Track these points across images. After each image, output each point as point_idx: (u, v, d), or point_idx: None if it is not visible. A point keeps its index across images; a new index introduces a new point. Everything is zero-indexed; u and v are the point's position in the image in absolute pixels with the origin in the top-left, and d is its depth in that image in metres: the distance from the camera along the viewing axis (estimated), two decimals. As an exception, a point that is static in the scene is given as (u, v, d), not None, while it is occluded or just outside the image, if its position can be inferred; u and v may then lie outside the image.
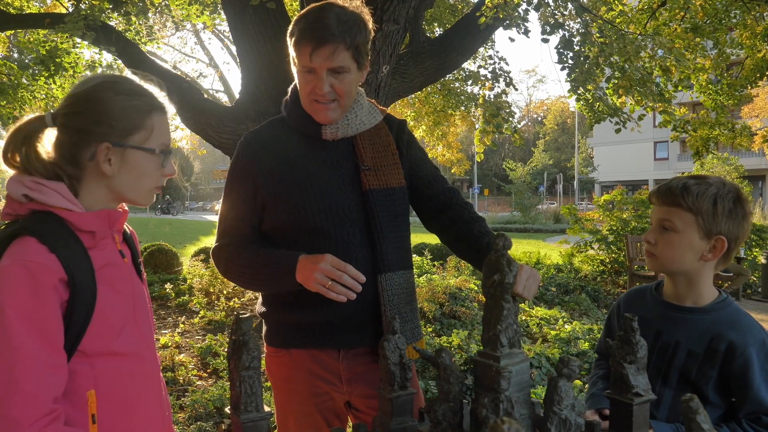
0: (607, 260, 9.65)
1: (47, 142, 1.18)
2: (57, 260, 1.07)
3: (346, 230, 1.53)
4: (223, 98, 20.20)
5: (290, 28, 1.55)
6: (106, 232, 1.19)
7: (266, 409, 1.00)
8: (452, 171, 12.73)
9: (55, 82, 6.45)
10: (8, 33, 8.34)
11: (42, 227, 1.09)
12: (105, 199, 1.22)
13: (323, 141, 1.61)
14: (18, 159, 1.16)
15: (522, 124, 62.00)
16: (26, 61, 7.24)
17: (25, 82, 7.41)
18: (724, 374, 1.39)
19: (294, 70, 1.57)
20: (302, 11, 1.55)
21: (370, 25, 1.56)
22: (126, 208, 1.29)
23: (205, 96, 5.62)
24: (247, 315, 1.01)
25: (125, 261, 1.25)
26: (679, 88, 8.17)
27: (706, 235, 1.42)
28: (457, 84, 9.86)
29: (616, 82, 5.77)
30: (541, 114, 60.70)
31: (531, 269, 1.35)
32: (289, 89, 1.67)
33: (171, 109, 1.32)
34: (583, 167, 44.23)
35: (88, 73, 6.32)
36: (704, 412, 0.68)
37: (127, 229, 1.32)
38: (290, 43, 1.54)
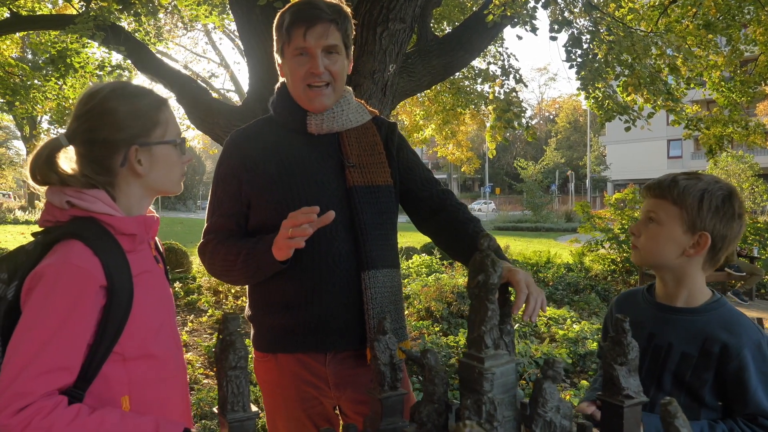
0: (618, 259, 9.57)
1: (67, 159, 1.24)
2: (99, 264, 1.11)
3: (330, 226, 1.51)
4: (234, 98, 20.31)
5: (277, 20, 1.58)
6: (144, 237, 1.25)
7: (253, 408, 1.00)
8: (462, 170, 12.70)
9: (65, 83, 6.53)
10: (21, 34, 8.44)
11: (86, 231, 1.14)
12: (141, 197, 1.28)
13: (309, 137, 1.61)
14: (49, 177, 1.21)
15: (534, 122, 61.67)
16: (39, 62, 7.33)
17: (38, 83, 7.50)
18: (720, 377, 1.36)
19: (281, 63, 1.61)
20: (288, 4, 1.60)
21: (352, 20, 1.61)
22: (156, 215, 1.34)
23: (215, 96, 5.65)
24: (234, 314, 1.01)
25: (159, 266, 1.32)
26: (692, 85, 8.09)
27: (689, 229, 1.40)
28: (466, 82, 9.83)
29: (625, 80, 5.72)
30: (553, 112, 60.32)
31: (538, 293, 1.29)
32: (276, 88, 1.69)
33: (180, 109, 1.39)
34: (596, 166, 43.91)
35: (99, 72, 6.38)
36: (683, 415, 0.66)
37: (156, 239, 1.38)
38: (281, 30, 1.56)
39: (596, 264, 9.70)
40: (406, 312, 6.58)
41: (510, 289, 1.32)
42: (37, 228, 1.23)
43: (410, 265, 9.50)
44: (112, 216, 1.18)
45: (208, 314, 5.94)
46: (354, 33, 1.62)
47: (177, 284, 7.04)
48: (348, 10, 1.59)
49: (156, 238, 1.35)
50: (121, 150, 1.22)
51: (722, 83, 9.24)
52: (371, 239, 1.54)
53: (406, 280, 8.08)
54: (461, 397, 0.87)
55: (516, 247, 13.28)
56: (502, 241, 14.48)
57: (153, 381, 1.21)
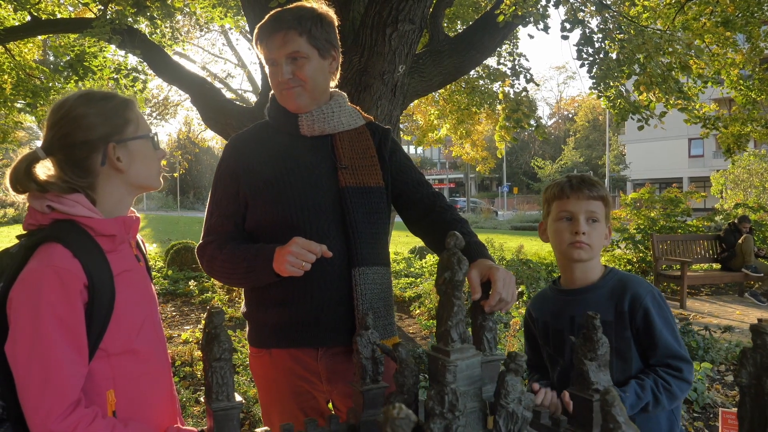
0: (634, 259, 9.50)
1: (45, 168, 1.29)
2: (80, 265, 1.16)
3: (322, 225, 1.58)
4: (252, 98, 20.50)
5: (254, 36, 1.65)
6: (124, 237, 1.29)
7: (237, 398, 1.05)
8: (477, 169, 12.69)
9: (84, 86, 6.68)
10: (43, 37, 8.63)
11: (66, 234, 1.19)
12: (122, 195, 1.33)
13: (303, 140, 1.67)
14: (29, 187, 1.26)
15: (552, 121, 61.19)
16: (60, 65, 7.51)
17: (58, 85, 7.67)
18: (635, 330, 1.59)
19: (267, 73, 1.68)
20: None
21: (333, 21, 1.66)
22: (137, 215, 1.39)
23: (230, 97, 5.74)
24: (219, 309, 1.06)
25: (141, 265, 1.36)
26: (709, 83, 7.99)
27: (606, 223, 1.70)
28: (481, 82, 9.82)
29: (637, 78, 5.69)
30: (572, 111, 59.75)
31: (507, 294, 1.34)
32: (270, 95, 1.75)
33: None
34: (615, 165, 43.41)
35: (115, 76, 6.51)
36: (620, 404, 0.70)
37: (139, 237, 1.43)
38: (256, 46, 1.65)
39: (612, 264, 9.63)
40: (418, 311, 6.62)
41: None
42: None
43: (423, 264, 9.53)
44: (91, 218, 1.23)
45: (221, 312, 6.03)
46: (336, 32, 1.67)
47: (192, 282, 7.16)
48: (322, 11, 1.64)
49: (138, 237, 1.40)
50: (99, 149, 1.27)
51: (741, 81, 9.10)
52: (362, 238, 1.59)
53: (418, 280, 8.12)
54: (428, 388, 0.91)
55: (531, 247, 13.22)
56: (517, 240, 14.42)
57: (137, 376, 1.26)
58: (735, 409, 1.95)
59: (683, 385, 1.54)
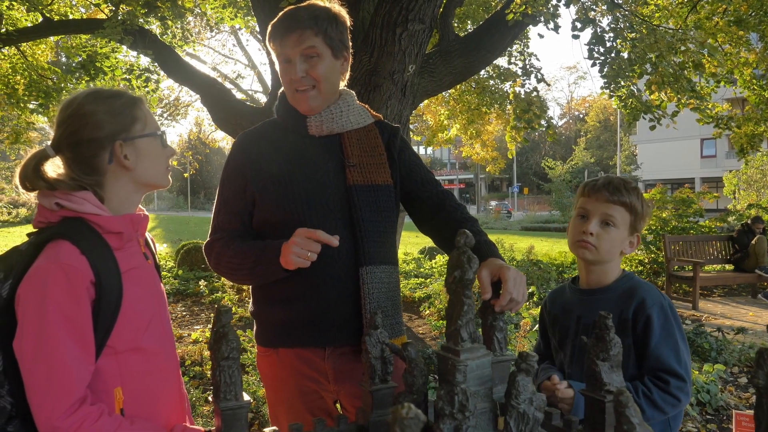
0: (646, 260, 9.42)
1: (54, 166, 1.29)
2: (87, 262, 1.16)
3: (329, 224, 1.56)
4: (262, 99, 20.56)
5: (267, 33, 1.64)
6: (132, 234, 1.29)
7: (246, 397, 1.05)
8: (487, 169, 12.65)
9: (96, 86, 6.74)
10: (55, 38, 8.70)
11: (74, 232, 1.19)
12: (130, 193, 1.33)
13: (311, 138, 1.66)
14: (38, 185, 1.26)
15: (563, 121, 60.90)
16: (73, 66, 7.57)
17: (70, 86, 7.73)
18: (635, 337, 1.57)
19: (278, 71, 1.67)
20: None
21: (346, 21, 1.65)
22: (146, 212, 1.39)
23: (240, 97, 5.76)
24: (227, 307, 1.05)
25: (149, 263, 1.36)
26: (722, 83, 7.91)
27: (631, 231, 1.65)
28: (491, 82, 9.79)
29: (649, 78, 5.64)
30: (583, 111, 59.40)
31: (518, 295, 1.32)
32: (279, 92, 1.74)
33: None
34: (626, 165, 43.11)
35: (127, 76, 6.55)
36: (634, 405, 0.68)
37: (148, 235, 1.43)
38: (269, 43, 1.64)
39: (623, 265, 9.50)
40: (427, 312, 6.60)
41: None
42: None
43: (433, 265, 9.51)
44: (99, 215, 1.23)
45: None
46: (348, 33, 1.67)
47: (202, 282, 7.19)
48: (336, 11, 1.63)
49: (147, 235, 1.40)
50: (106, 147, 1.28)
51: (754, 81, 9.00)
52: (369, 236, 1.57)
53: (428, 280, 8.10)
54: (438, 388, 0.90)
55: (542, 248, 13.16)
56: (527, 241, 14.36)
57: (144, 373, 1.26)
58: (749, 411, 1.95)
59: (667, 397, 1.50)
